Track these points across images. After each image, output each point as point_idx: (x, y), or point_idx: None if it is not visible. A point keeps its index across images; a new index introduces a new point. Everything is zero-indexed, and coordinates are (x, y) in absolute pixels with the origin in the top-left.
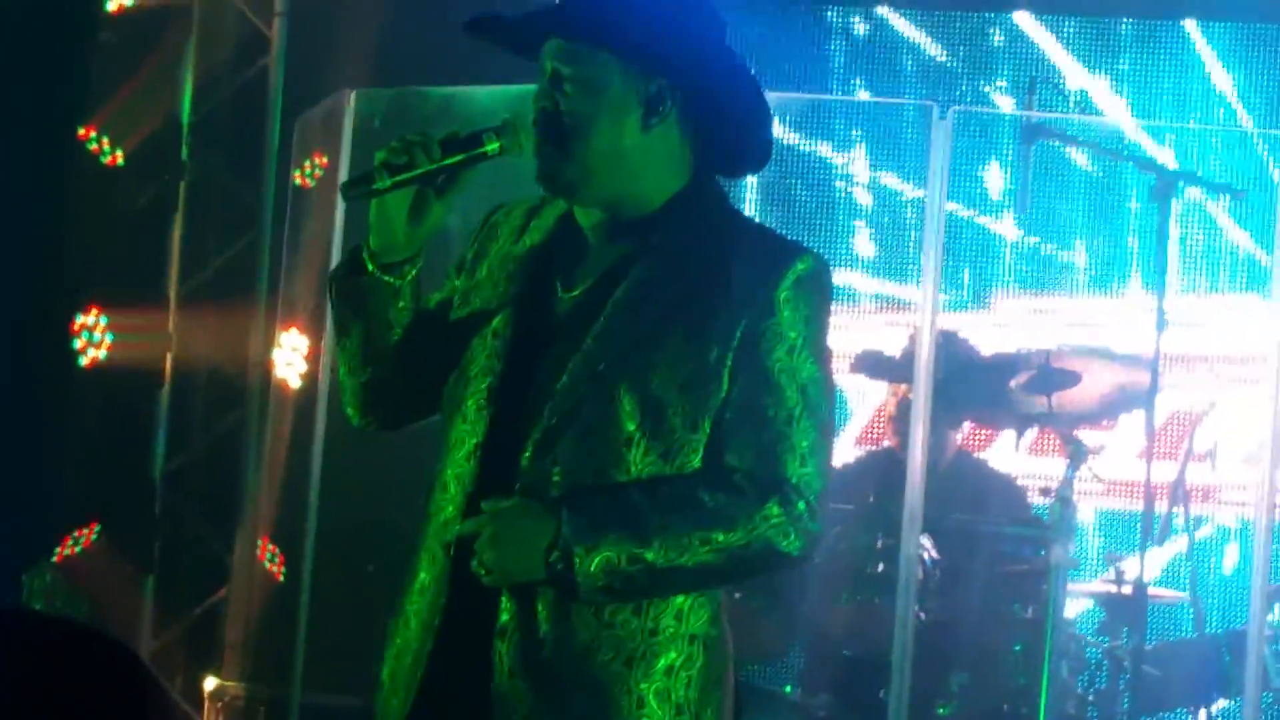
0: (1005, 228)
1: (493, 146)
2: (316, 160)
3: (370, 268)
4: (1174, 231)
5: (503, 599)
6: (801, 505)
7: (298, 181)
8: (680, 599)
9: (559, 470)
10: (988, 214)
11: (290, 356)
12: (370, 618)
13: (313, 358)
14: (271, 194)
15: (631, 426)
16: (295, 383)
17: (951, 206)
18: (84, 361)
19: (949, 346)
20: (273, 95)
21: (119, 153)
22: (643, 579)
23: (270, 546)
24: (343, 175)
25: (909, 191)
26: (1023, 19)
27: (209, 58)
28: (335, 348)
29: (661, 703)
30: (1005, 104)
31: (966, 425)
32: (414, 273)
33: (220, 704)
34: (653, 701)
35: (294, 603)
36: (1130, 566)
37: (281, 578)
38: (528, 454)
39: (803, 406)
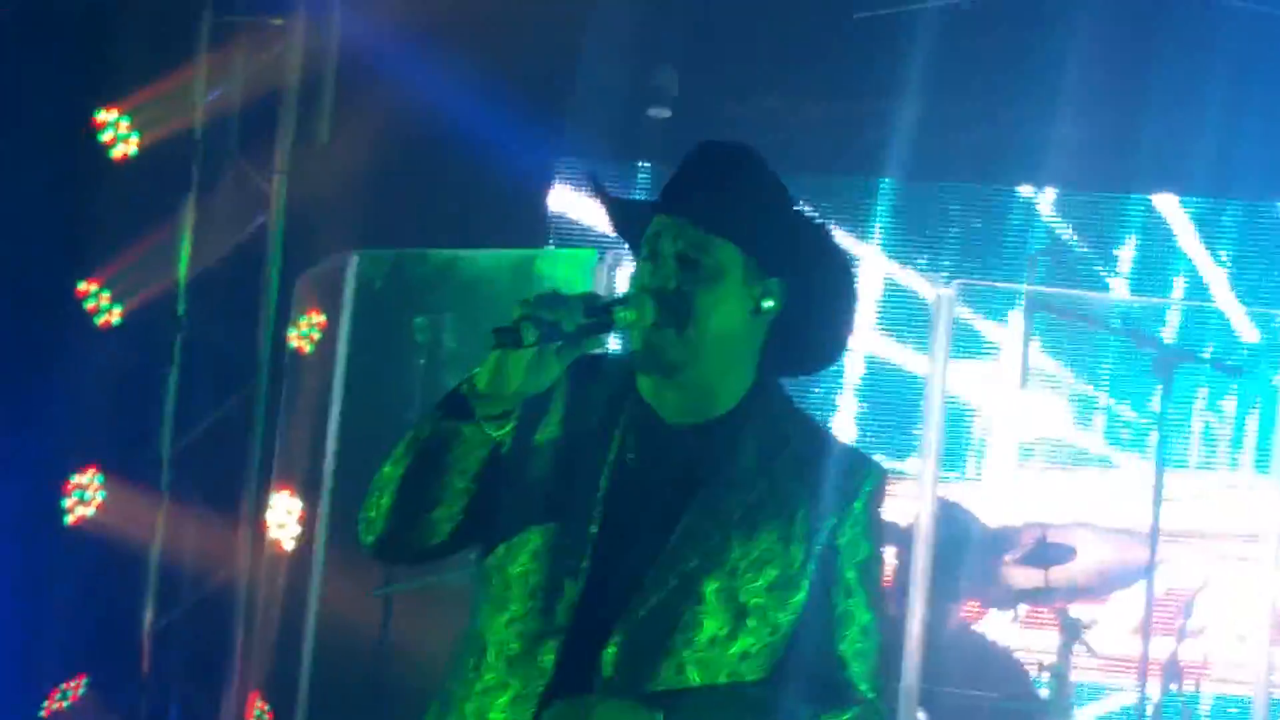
0: (1003, 398)
1: (624, 317)
2: (314, 319)
3: (476, 414)
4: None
5: None
6: (875, 716)
7: (294, 343)
8: None
9: (643, 665)
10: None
11: (283, 518)
12: None
13: (305, 520)
14: (268, 353)
15: (715, 626)
16: (288, 544)
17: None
18: (70, 520)
19: (946, 517)
20: (271, 253)
21: (117, 310)
22: None
23: (260, 704)
24: (342, 337)
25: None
26: (1025, 191)
27: (208, 213)
28: (387, 479)
29: None
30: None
31: (963, 597)
32: (510, 426)
33: None
34: None
35: None
36: None
37: None
38: (612, 648)
39: (874, 619)
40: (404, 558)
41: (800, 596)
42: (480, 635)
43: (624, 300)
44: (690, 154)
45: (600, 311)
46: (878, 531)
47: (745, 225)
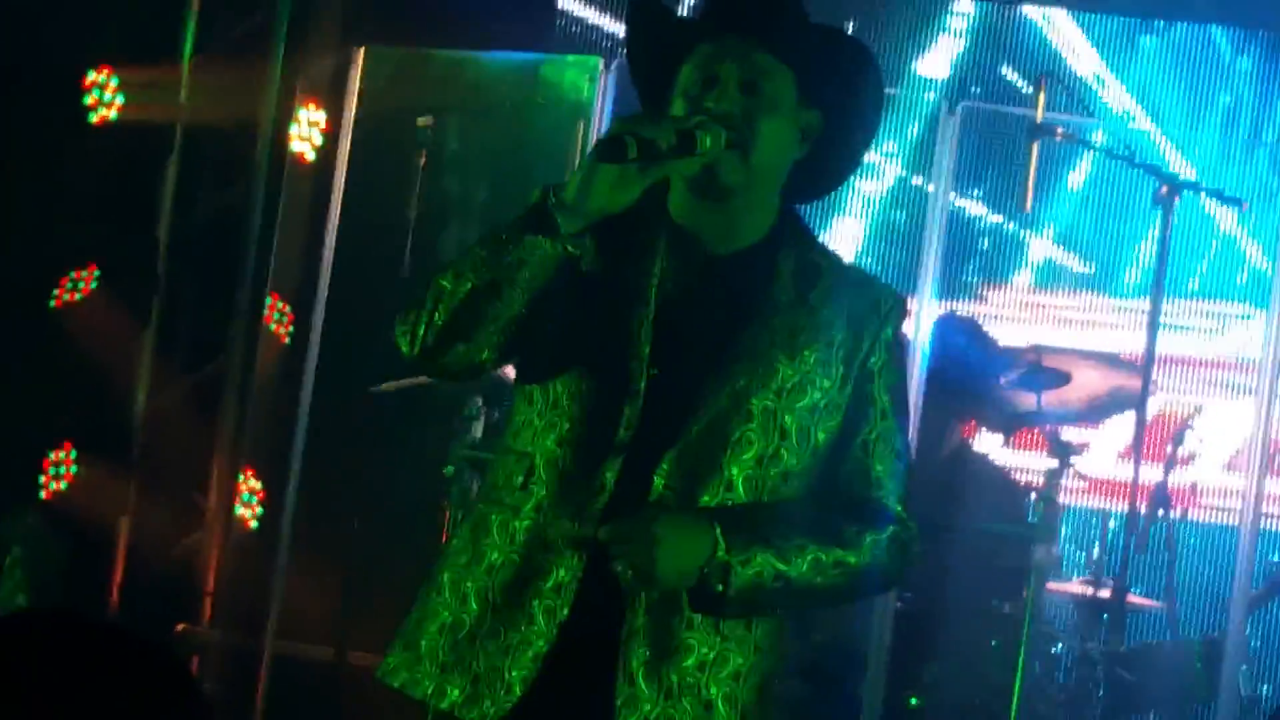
0: (1005, 223)
1: (704, 141)
2: (313, 111)
3: (561, 229)
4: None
5: (635, 605)
6: (909, 533)
7: (293, 145)
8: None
9: (694, 483)
10: (991, 209)
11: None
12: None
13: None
14: (267, 153)
15: (761, 445)
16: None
17: (954, 199)
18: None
19: (942, 336)
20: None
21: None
22: (779, 595)
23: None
24: (345, 135)
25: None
26: (1032, 12)
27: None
28: (447, 293)
29: (730, 708)
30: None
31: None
32: (588, 245)
33: None
34: (722, 708)
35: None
36: (1110, 568)
37: None
38: (666, 465)
39: (904, 441)
40: (445, 372)
41: (838, 419)
42: (526, 453)
43: (702, 124)
44: None
45: (686, 134)
46: (903, 357)
47: (802, 53)
